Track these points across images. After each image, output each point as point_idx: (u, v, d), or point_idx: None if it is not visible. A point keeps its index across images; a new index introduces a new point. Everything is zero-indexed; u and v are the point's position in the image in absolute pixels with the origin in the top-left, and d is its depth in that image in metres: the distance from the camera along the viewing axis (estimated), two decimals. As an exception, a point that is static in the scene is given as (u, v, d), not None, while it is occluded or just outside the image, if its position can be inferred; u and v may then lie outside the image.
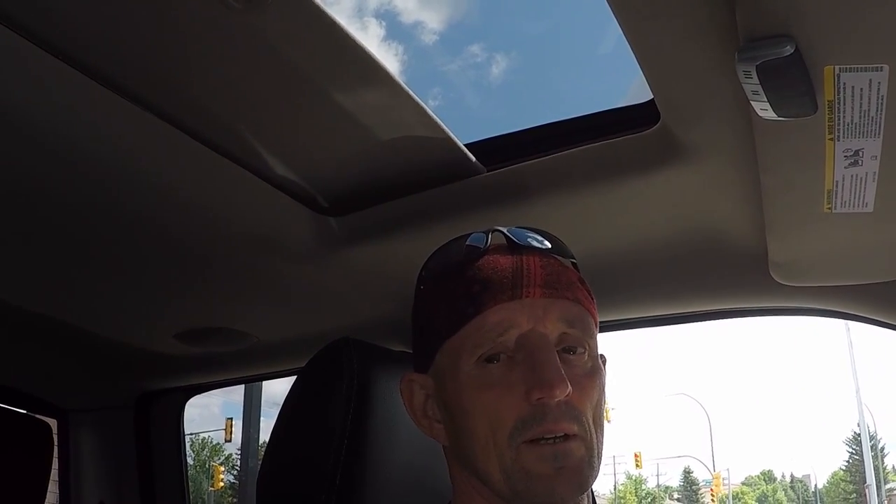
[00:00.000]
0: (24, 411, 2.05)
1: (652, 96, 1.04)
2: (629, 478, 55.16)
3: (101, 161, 1.12)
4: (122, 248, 1.38)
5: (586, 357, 0.91)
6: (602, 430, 0.90)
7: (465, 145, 1.23)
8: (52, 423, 2.09)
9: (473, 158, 1.24)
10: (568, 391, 0.84)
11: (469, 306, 0.89)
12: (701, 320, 1.58)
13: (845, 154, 0.92)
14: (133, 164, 1.14)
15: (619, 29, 0.89)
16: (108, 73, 0.98)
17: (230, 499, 32.84)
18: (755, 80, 0.79)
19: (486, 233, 0.95)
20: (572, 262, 0.98)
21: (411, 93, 1.09)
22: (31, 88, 0.98)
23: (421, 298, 0.99)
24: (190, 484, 2.33)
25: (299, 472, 1.15)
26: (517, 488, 0.85)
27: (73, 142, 1.07)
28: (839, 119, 0.86)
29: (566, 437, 0.85)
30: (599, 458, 0.89)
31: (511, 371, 0.86)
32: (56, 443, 2.04)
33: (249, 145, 1.17)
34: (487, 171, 1.25)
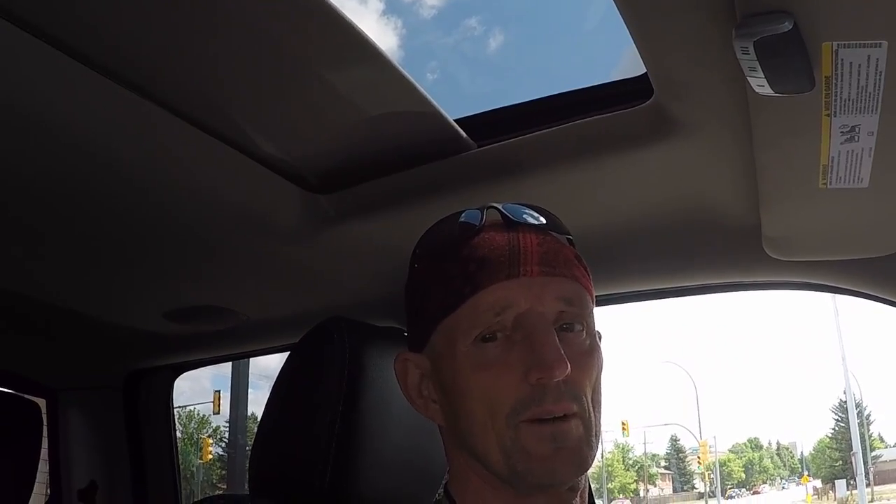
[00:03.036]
0: (13, 391, 2.04)
1: (644, 70, 1.02)
2: (616, 445, 55.76)
3: (87, 142, 1.10)
4: (110, 227, 1.36)
5: (584, 335, 0.90)
6: (600, 408, 0.89)
7: (456, 121, 1.22)
8: (41, 402, 2.07)
9: (464, 134, 1.22)
10: (567, 371, 0.82)
11: (465, 286, 0.88)
12: (694, 294, 1.58)
13: (842, 130, 0.91)
14: (120, 146, 1.12)
15: (611, 1, 0.88)
16: (94, 56, 0.97)
17: (219, 471, 33.03)
18: (752, 55, 0.78)
19: (481, 210, 0.94)
20: (568, 239, 0.97)
21: (401, 69, 1.07)
22: (19, 71, 0.96)
23: (415, 277, 0.97)
24: (179, 457, 2.34)
25: (293, 451, 1.15)
26: (517, 468, 0.84)
27: (60, 124, 1.05)
28: (836, 95, 0.85)
29: (565, 416, 0.84)
30: (598, 436, 0.88)
31: (509, 351, 0.85)
32: (45, 422, 2.03)
33: (237, 124, 1.15)
34: (478, 147, 1.24)
